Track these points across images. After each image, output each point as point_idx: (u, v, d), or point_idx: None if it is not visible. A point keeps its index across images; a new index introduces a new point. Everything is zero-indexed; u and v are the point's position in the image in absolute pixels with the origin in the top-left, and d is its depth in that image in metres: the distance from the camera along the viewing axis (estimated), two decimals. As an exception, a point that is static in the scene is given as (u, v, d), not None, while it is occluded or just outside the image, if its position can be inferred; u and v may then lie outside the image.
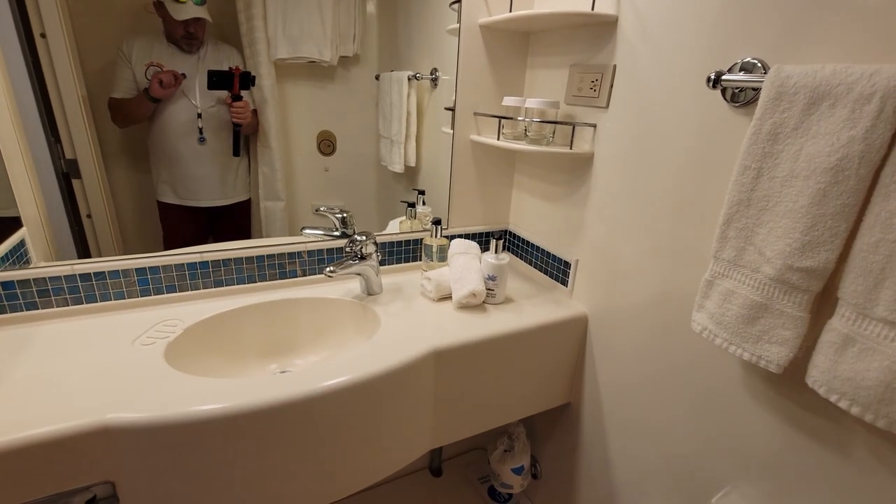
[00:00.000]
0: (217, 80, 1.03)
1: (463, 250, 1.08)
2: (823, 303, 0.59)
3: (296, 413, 0.73)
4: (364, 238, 1.01)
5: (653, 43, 0.82)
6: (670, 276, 0.84)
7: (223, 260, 1.00)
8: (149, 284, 0.95)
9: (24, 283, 0.86)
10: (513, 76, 1.15)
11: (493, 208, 1.27)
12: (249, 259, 1.03)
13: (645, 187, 0.87)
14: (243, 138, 1.14)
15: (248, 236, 1.19)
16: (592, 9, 0.88)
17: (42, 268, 0.88)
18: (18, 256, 0.90)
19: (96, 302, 0.92)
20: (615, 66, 0.90)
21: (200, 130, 1.07)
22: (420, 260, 1.23)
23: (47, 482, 0.63)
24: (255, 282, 1.05)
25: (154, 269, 0.95)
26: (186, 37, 1.00)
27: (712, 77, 0.66)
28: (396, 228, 1.26)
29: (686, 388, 0.83)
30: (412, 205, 1.25)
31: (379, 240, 1.14)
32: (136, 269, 0.93)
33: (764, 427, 0.71)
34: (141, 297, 0.95)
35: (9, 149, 0.86)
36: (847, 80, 0.51)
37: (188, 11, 0.98)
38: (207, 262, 0.99)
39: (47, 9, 0.87)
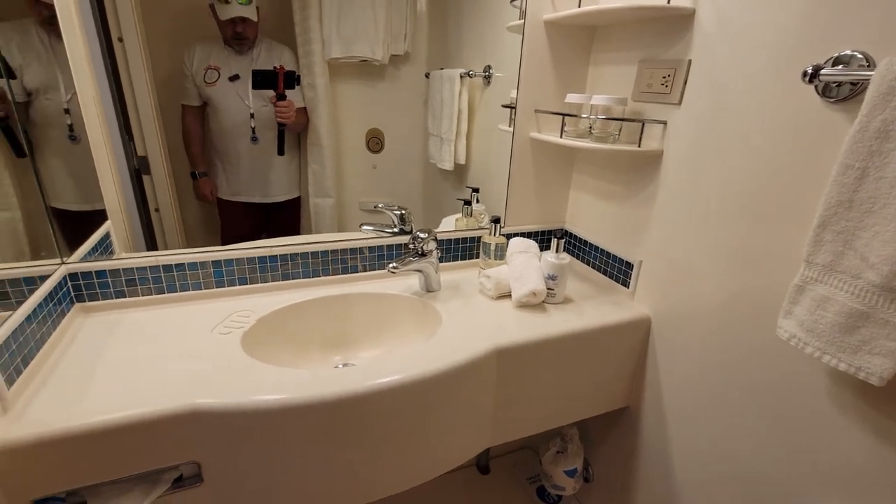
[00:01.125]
0: (262, 79, 1.06)
1: (522, 249, 1.08)
2: (937, 313, 0.55)
3: (362, 406, 0.75)
4: (426, 235, 1.02)
5: (734, 36, 0.78)
6: (746, 280, 0.80)
7: (290, 254, 1.04)
8: (223, 276, 1.00)
9: (115, 272, 0.92)
10: (576, 73, 1.13)
11: (550, 207, 1.26)
12: (315, 254, 1.06)
13: (719, 187, 0.84)
14: (294, 136, 1.18)
15: (298, 233, 1.23)
16: (669, 2, 0.85)
17: (130, 258, 0.94)
18: (105, 247, 0.96)
19: (176, 292, 0.97)
20: (690, 61, 0.87)
21: (253, 130, 1.11)
22: (477, 258, 1.23)
23: (141, 459, 0.68)
24: (319, 276, 1.08)
25: (228, 262, 0.99)
26: (235, 37, 1.03)
27: (809, 71, 0.62)
28: (451, 226, 1.26)
29: (761, 398, 0.80)
30: (468, 202, 1.25)
31: (438, 236, 1.15)
32: (213, 262, 0.98)
33: (851, 441, 0.67)
34: (216, 287, 1.00)
35: (97, 146, 0.92)
36: (977, 72, 0.47)
37: (233, 11, 1.01)
38: (276, 256, 1.03)
39: (124, 13, 0.93)
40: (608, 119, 0.97)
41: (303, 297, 1.00)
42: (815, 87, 0.66)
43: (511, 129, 1.16)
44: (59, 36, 0.86)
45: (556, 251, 1.02)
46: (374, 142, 1.30)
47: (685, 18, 0.86)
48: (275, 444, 0.72)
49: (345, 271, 1.10)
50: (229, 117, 1.09)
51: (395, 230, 1.18)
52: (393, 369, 0.78)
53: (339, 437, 0.76)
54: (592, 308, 1.03)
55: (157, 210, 1.06)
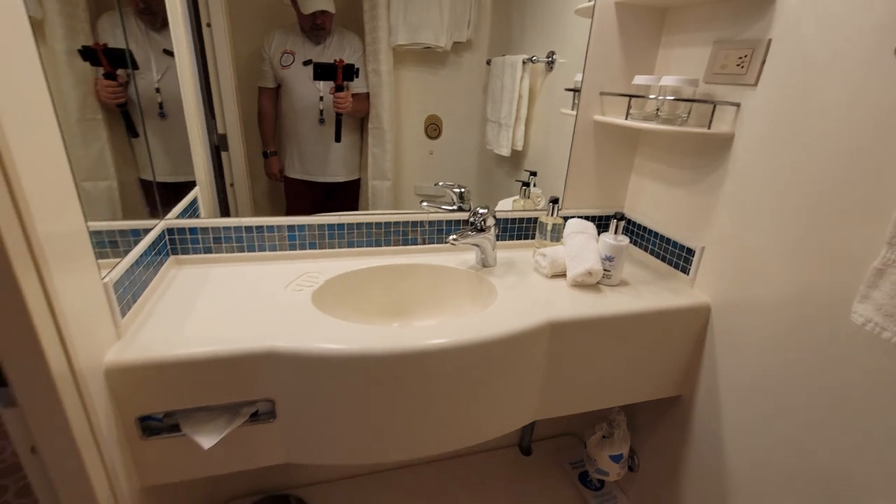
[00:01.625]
0: (322, 71, 1.13)
1: (580, 230, 1.08)
2: None
3: (416, 363, 0.80)
4: (485, 211, 1.05)
5: (825, 13, 0.75)
6: (821, 275, 0.77)
7: (356, 223, 1.11)
8: (295, 240, 1.08)
9: (204, 230, 1.02)
10: (645, 55, 1.11)
11: (610, 191, 1.25)
12: (378, 224, 1.12)
13: (796, 173, 0.81)
14: (357, 121, 1.24)
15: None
16: (751, -22, 0.83)
17: (217, 220, 1.04)
18: (193, 211, 1.07)
19: (255, 252, 1.06)
20: (770, 41, 0.84)
21: (321, 113, 1.18)
22: (533, 239, 1.25)
23: (226, 392, 0.76)
24: (381, 246, 1.14)
25: (301, 227, 1.07)
26: (314, 28, 1.11)
27: (905, 44, 0.60)
28: (508, 207, 1.29)
29: (829, 390, 0.77)
30: (526, 184, 1.27)
31: (497, 215, 1.18)
32: (287, 226, 1.06)
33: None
34: (289, 250, 1.08)
35: (192, 123, 1.02)
36: None
37: (315, 4, 1.08)
38: (343, 224, 1.10)
39: (214, 1, 1.02)
40: (677, 100, 0.96)
41: (366, 265, 1.07)
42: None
43: (574, 112, 1.17)
44: (151, 23, 0.97)
45: (615, 232, 1.02)
46: (433, 128, 1.34)
47: (768, -5, 0.84)
48: (337, 390, 0.79)
49: (405, 243, 1.16)
50: (300, 100, 1.17)
51: (454, 207, 1.22)
52: (446, 333, 0.82)
53: (395, 391, 0.81)
54: (649, 292, 1.02)
55: (231, 185, 1.16)
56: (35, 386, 0.56)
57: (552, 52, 1.26)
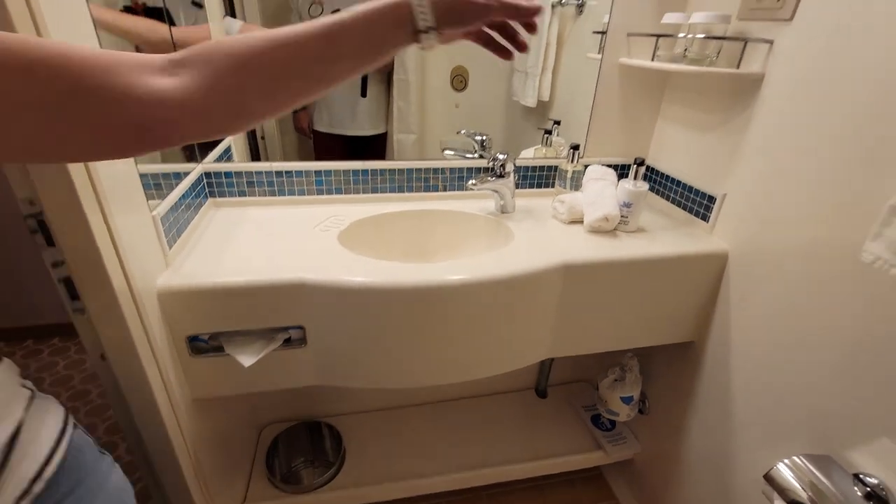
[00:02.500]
0: None
1: (599, 176, 1.09)
2: None
3: (435, 296, 0.85)
4: (504, 156, 1.07)
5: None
6: (837, 214, 0.76)
7: (380, 170, 1.15)
8: (322, 185, 1.14)
9: (238, 174, 1.09)
10: (675, -9, 1.06)
11: (633, 139, 1.23)
12: (401, 171, 1.16)
13: (825, 119, 0.78)
14: (384, 74, 1.24)
15: None
16: None
17: (249, 165, 1.10)
18: (228, 157, 1.13)
19: (285, 196, 1.13)
20: (811, -30, 0.79)
21: None
22: (553, 187, 1.26)
23: (262, 317, 0.84)
24: (404, 192, 1.18)
25: (328, 172, 1.12)
26: None
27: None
28: (530, 156, 1.29)
29: (842, 338, 0.77)
30: (549, 132, 1.27)
31: (517, 163, 1.19)
32: (315, 171, 1.12)
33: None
34: (316, 195, 1.14)
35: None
36: None
37: None
38: (368, 170, 1.14)
39: None
40: (708, 38, 0.93)
41: (389, 209, 1.12)
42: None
43: (600, 56, 1.14)
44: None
45: (634, 178, 1.02)
46: (459, 80, 1.32)
47: (811, -81, 0.78)
48: (362, 319, 0.86)
49: (427, 189, 1.19)
50: None
51: (476, 155, 1.24)
52: (459, 270, 0.87)
53: (413, 322, 0.87)
54: (667, 238, 1.03)
55: (262, 138, 1.21)
56: (101, 299, 0.65)
57: None
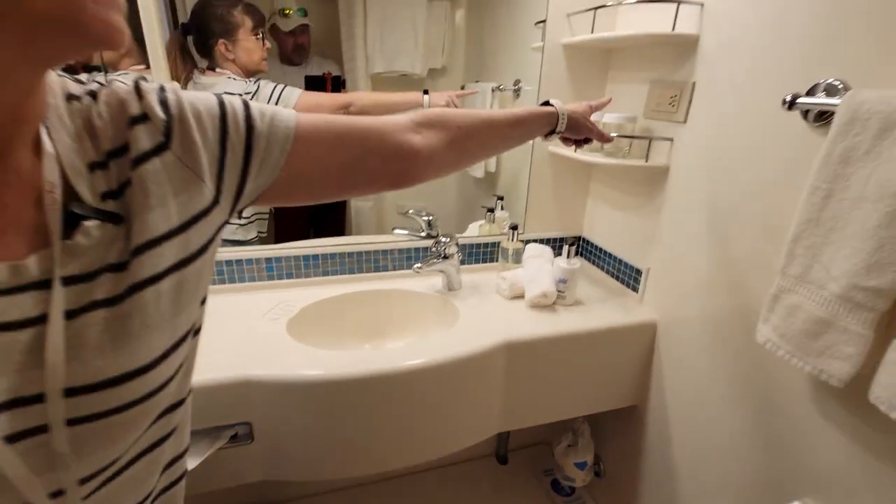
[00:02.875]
0: (313, 83, 1.20)
1: (537, 254, 1.17)
2: (891, 321, 0.60)
3: (384, 385, 0.87)
4: (448, 239, 1.13)
5: (733, 62, 0.85)
6: (740, 288, 0.86)
7: (330, 254, 1.19)
8: (273, 271, 1.16)
9: (186, 264, 1.10)
10: (593, 91, 1.21)
11: (568, 215, 1.34)
12: (351, 254, 1.20)
13: (719, 201, 0.90)
14: None
15: (343, 231, 1.37)
16: (673, 29, 0.92)
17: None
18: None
19: (235, 283, 1.14)
20: (694, 83, 0.93)
21: None
22: (496, 261, 1.33)
23: (206, 416, 0.83)
24: (355, 273, 1.22)
25: (278, 259, 1.15)
26: (297, 49, 1.18)
27: (787, 99, 0.69)
28: (476, 231, 1.37)
29: (752, 400, 0.85)
30: (491, 210, 1.36)
31: (460, 241, 1.26)
32: (266, 258, 1.14)
33: (830, 441, 0.72)
34: (267, 280, 1.16)
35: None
36: (920, 108, 0.53)
37: (295, 21, 1.16)
38: (318, 255, 1.18)
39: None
40: (619, 136, 1.05)
41: (339, 292, 1.15)
42: (805, 113, 0.72)
43: (531, 141, 1.26)
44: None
45: (568, 257, 1.10)
46: None
47: (690, 44, 0.93)
48: (311, 411, 0.86)
49: (377, 269, 1.24)
50: None
51: (423, 234, 1.30)
52: (410, 356, 0.90)
53: (367, 410, 0.89)
54: (600, 310, 1.11)
55: None
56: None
57: (518, 81, 1.35)
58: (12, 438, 0.32)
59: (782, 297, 0.70)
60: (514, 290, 1.14)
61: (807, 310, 0.66)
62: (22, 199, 0.33)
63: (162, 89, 0.39)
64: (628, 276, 1.18)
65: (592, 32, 1.05)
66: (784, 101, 0.69)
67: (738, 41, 0.83)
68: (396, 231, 1.33)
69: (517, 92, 1.34)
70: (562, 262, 1.10)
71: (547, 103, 0.76)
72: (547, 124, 0.74)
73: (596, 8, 1.03)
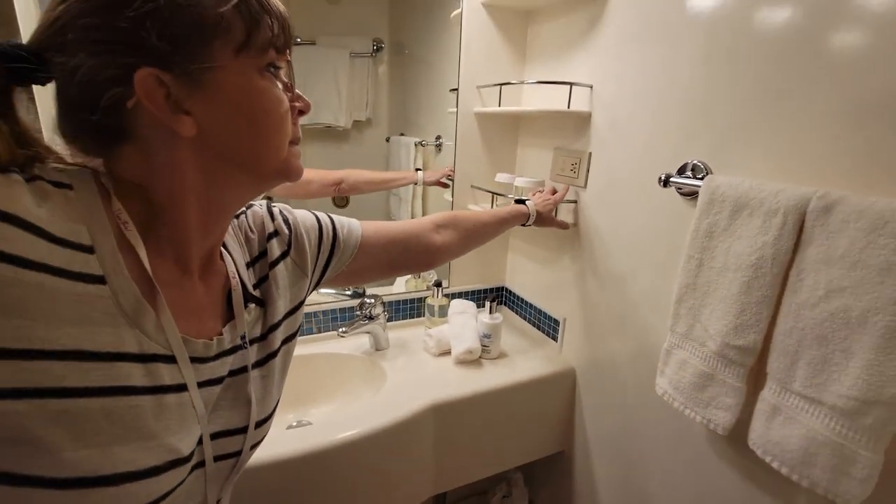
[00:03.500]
0: None
1: (461, 310, 1.20)
2: (758, 375, 0.69)
3: (311, 462, 0.84)
4: (372, 301, 1.13)
5: (620, 137, 0.96)
6: (644, 337, 0.94)
7: (248, 321, 1.13)
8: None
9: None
10: (506, 153, 1.30)
11: (490, 268, 1.40)
12: (271, 319, 1.15)
13: (619, 259, 0.99)
14: None
15: None
16: (569, 107, 1.02)
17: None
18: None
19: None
20: (591, 153, 1.04)
21: None
22: (423, 316, 1.34)
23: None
24: (276, 339, 1.17)
25: (189, 331, 1.08)
26: None
27: (662, 178, 0.79)
28: (402, 286, 1.38)
29: (666, 443, 0.92)
30: (417, 265, 1.38)
31: (386, 299, 1.27)
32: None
33: (727, 482, 0.79)
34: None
35: None
36: (759, 195, 0.63)
37: None
38: (235, 322, 1.12)
39: None
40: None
41: (259, 361, 1.09)
42: (678, 188, 0.83)
43: (451, 199, 1.31)
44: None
45: (490, 312, 1.15)
46: (340, 199, 1.41)
47: (584, 119, 1.04)
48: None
49: (301, 334, 1.19)
50: None
51: (349, 293, 1.29)
52: (334, 430, 0.87)
53: (293, 489, 0.84)
54: (524, 362, 1.15)
55: None
56: None
57: (439, 137, 1.41)
58: (217, 459, 0.45)
59: (673, 352, 0.77)
60: (441, 347, 1.15)
61: (693, 364, 0.74)
62: (216, 289, 0.47)
63: (282, 211, 0.57)
64: (548, 326, 1.24)
65: (500, 105, 1.14)
66: (659, 180, 0.79)
67: (622, 120, 0.95)
68: (321, 291, 1.30)
69: (439, 147, 1.41)
70: (485, 317, 1.14)
71: (522, 202, 1.00)
72: (522, 220, 0.98)
73: (501, 84, 1.12)
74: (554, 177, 1.15)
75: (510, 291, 1.41)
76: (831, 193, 0.56)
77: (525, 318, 1.34)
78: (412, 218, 1.42)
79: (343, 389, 1.13)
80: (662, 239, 0.88)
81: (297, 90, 0.45)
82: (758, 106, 0.69)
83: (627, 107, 0.93)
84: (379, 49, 1.35)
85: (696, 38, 0.78)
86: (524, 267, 1.34)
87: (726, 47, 0.73)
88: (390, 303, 1.29)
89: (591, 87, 1.01)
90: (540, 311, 1.27)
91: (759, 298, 0.64)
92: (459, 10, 1.17)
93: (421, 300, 1.34)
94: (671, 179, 0.78)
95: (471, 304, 1.23)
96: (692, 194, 0.79)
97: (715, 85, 0.75)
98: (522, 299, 1.35)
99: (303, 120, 1.26)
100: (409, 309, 1.33)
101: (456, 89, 1.23)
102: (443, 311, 1.26)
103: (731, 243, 0.67)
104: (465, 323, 1.16)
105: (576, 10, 1.04)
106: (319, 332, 1.22)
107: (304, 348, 1.16)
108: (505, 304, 1.44)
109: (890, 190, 0.55)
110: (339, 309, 1.24)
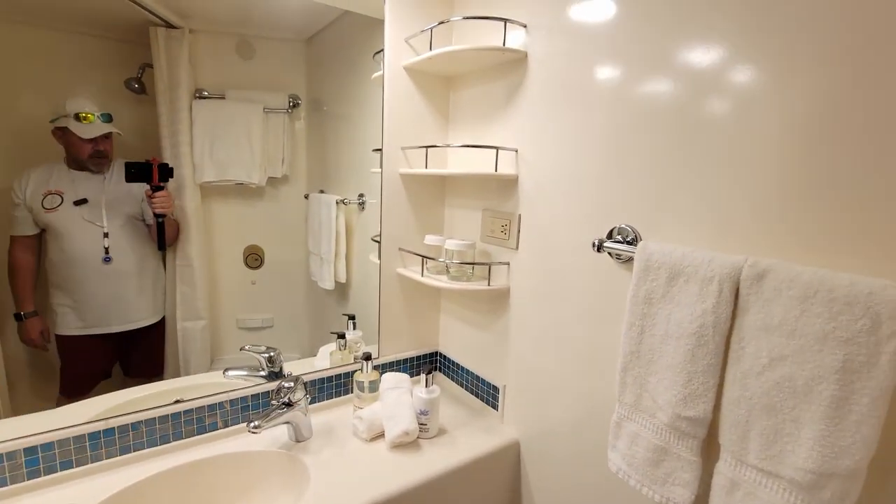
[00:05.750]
0: (136, 171, 1.04)
1: (394, 385, 1.09)
2: (712, 448, 0.67)
3: None
4: (292, 384, 0.99)
5: (547, 199, 0.96)
6: (586, 405, 0.91)
7: (132, 423, 0.92)
8: (39, 464, 0.84)
9: None
10: (434, 215, 1.26)
11: (422, 333, 1.31)
12: (164, 418, 0.95)
13: (554, 325, 0.96)
14: (158, 255, 1.13)
15: (161, 361, 1.14)
16: (496, 170, 1.02)
17: None
18: None
19: (-31, 495, 0.79)
20: (520, 215, 1.03)
21: (107, 251, 1.05)
22: (352, 392, 1.21)
23: None
24: (170, 441, 0.96)
25: (47, 446, 0.84)
26: (95, 156, 1.02)
27: (596, 244, 0.78)
28: (327, 358, 1.24)
29: (615, 517, 0.87)
30: (342, 336, 1.25)
31: (308, 378, 1.12)
32: (24, 449, 0.82)
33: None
34: (28, 479, 0.83)
35: None
36: (693, 262, 0.64)
37: (96, 129, 1.01)
38: (112, 428, 0.90)
39: None
40: (461, 264, 1.09)
41: (146, 473, 0.88)
42: (608, 252, 0.83)
43: (379, 261, 1.23)
44: None
45: (427, 386, 1.05)
46: (254, 258, 1.29)
47: (511, 181, 1.04)
48: None
49: (201, 431, 1.00)
50: (75, 243, 1.03)
51: (264, 374, 1.13)
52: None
53: None
54: (465, 437, 1.06)
55: None
56: None
57: (362, 195, 1.33)
58: None
59: (623, 425, 0.74)
60: (373, 430, 1.03)
61: (645, 437, 0.70)
62: None
63: None
64: (487, 393, 1.17)
65: (427, 167, 1.11)
66: (593, 245, 0.79)
67: (547, 183, 0.95)
68: (229, 373, 1.12)
69: (362, 205, 1.34)
70: (421, 392, 1.04)
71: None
72: None
73: (427, 146, 1.10)
74: (484, 238, 1.13)
75: (445, 357, 1.33)
76: (760, 262, 0.58)
77: (462, 385, 1.26)
78: (335, 283, 1.32)
79: (256, 497, 0.95)
80: (598, 302, 0.87)
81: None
82: (670, 173, 0.72)
83: (550, 170, 0.94)
84: (295, 105, 1.29)
85: (605, 108, 0.81)
86: (458, 331, 1.27)
87: (630, 117, 0.77)
88: (313, 382, 1.14)
89: (517, 150, 1.02)
90: (477, 378, 1.20)
91: (704, 367, 0.63)
92: (381, 72, 1.14)
93: (348, 376, 1.20)
94: (605, 245, 0.78)
95: (404, 378, 1.12)
96: (627, 258, 0.80)
97: (627, 152, 0.78)
98: (459, 365, 1.27)
99: (210, 176, 1.14)
100: (334, 387, 1.19)
101: (379, 149, 1.18)
102: (374, 386, 1.14)
103: (671, 310, 0.66)
104: (398, 399, 1.05)
105: (494, 79, 1.06)
106: (225, 426, 1.03)
107: (206, 450, 0.97)
108: (440, 370, 1.35)
109: (814, 259, 0.57)
110: (252, 396, 1.07)
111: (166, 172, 1.07)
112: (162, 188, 1.06)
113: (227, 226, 1.22)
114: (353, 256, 1.34)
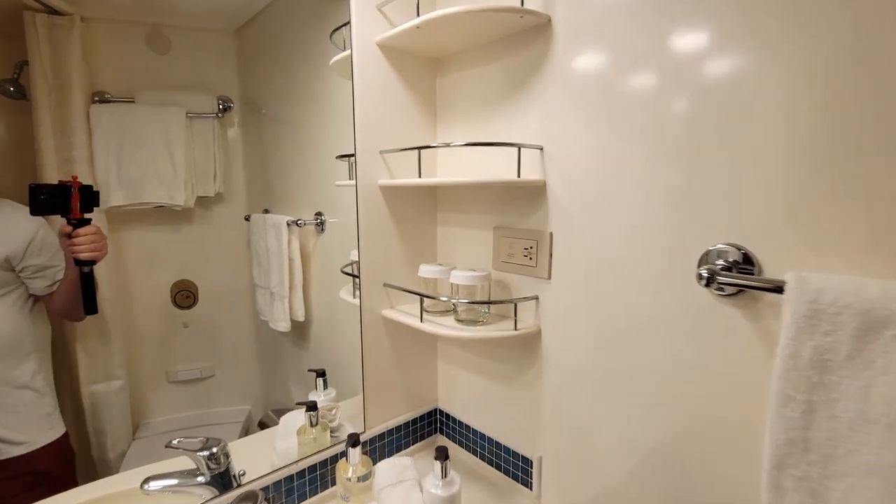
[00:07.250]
0: (47, 198, 0.73)
1: (394, 479, 0.79)
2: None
3: None
4: (243, 492, 0.65)
5: (589, 212, 0.71)
6: (666, 483, 0.66)
7: None
8: None
9: None
10: (423, 233, 0.97)
11: (417, 387, 1.02)
12: None
13: (612, 374, 0.71)
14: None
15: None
16: (519, 175, 0.75)
17: None
18: None
19: None
20: (552, 234, 0.77)
21: None
22: (333, 485, 0.89)
23: None
24: None
25: None
26: None
27: (704, 275, 0.54)
28: (293, 437, 0.91)
29: None
30: (312, 406, 0.92)
31: (272, 477, 0.79)
32: None
33: None
34: None
35: None
36: (909, 306, 0.40)
37: None
38: None
39: None
40: (472, 304, 0.81)
41: None
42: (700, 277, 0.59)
43: (357, 301, 0.92)
44: None
45: (443, 476, 0.76)
46: (184, 295, 1.04)
47: (537, 190, 0.77)
48: None
49: None
50: None
51: (202, 480, 0.78)
52: None
53: None
54: (499, 540, 0.78)
55: None
56: None
57: (320, 213, 1.05)
58: None
59: None
60: (374, 553, 0.72)
61: (828, 575, 0.46)
62: None
63: None
64: (514, 467, 0.90)
65: (420, 176, 0.82)
66: (700, 277, 0.54)
67: (589, 191, 0.70)
68: (150, 486, 0.77)
69: (320, 226, 1.05)
70: (435, 487, 0.74)
71: None
72: None
73: (420, 148, 0.81)
74: (499, 264, 0.86)
75: (447, 415, 1.03)
76: None
77: (474, 452, 0.98)
78: (291, 322, 1.05)
79: None
80: (683, 349, 0.62)
81: None
82: (819, 170, 0.49)
83: (595, 173, 0.70)
84: (227, 108, 1.03)
85: (689, 75, 0.57)
86: (463, 381, 0.99)
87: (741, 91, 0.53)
88: (276, 483, 0.81)
89: (541, 148, 0.76)
90: (501, 447, 0.92)
91: (945, 473, 0.39)
92: (344, 53, 0.85)
93: (325, 464, 0.88)
94: (718, 277, 0.53)
95: (408, 465, 0.82)
96: (734, 291, 0.56)
97: (734, 142, 0.55)
98: (468, 426, 0.99)
99: (120, 200, 0.89)
100: (308, 482, 0.86)
101: (349, 155, 0.89)
102: (364, 478, 0.82)
103: (871, 381, 0.42)
104: (405, 497, 0.75)
105: (500, 56, 0.80)
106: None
107: None
108: (441, 432, 1.06)
109: None
110: (186, 525, 0.72)
111: (90, 199, 0.78)
112: (88, 222, 0.77)
113: (147, 259, 0.96)
114: (311, 289, 1.05)
